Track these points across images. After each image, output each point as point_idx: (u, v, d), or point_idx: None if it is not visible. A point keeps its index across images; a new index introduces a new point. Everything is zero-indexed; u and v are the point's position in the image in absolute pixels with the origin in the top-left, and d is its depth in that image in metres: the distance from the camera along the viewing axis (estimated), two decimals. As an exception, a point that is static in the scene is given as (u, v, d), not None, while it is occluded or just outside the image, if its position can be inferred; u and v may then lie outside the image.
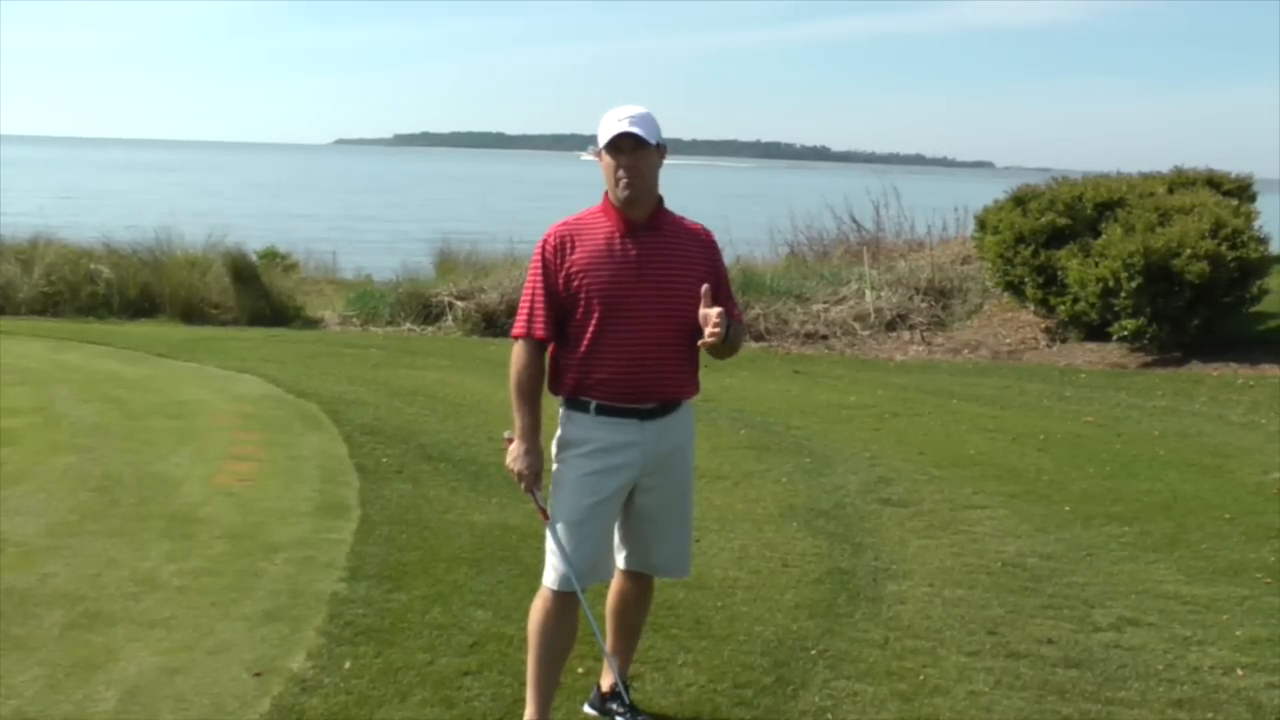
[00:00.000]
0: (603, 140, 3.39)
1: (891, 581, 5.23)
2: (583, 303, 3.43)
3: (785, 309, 14.66)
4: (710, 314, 3.36)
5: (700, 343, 3.41)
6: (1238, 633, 4.67)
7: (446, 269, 17.05)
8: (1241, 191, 13.44)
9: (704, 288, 3.40)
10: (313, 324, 15.08)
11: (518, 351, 3.51)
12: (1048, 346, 13.13)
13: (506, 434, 3.57)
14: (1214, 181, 13.49)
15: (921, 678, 4.17)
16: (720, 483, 6.91)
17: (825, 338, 14.17)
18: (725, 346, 3.47)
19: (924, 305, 14.94)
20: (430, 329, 14.73)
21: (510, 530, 5.78)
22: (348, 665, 4.10)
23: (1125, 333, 11.89)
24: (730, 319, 3.45)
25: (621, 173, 3.38)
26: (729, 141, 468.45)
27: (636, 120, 3.37)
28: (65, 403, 8.70)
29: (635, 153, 3.38)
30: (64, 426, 7.88)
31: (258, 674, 4.03)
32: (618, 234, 3.45)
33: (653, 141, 3.39)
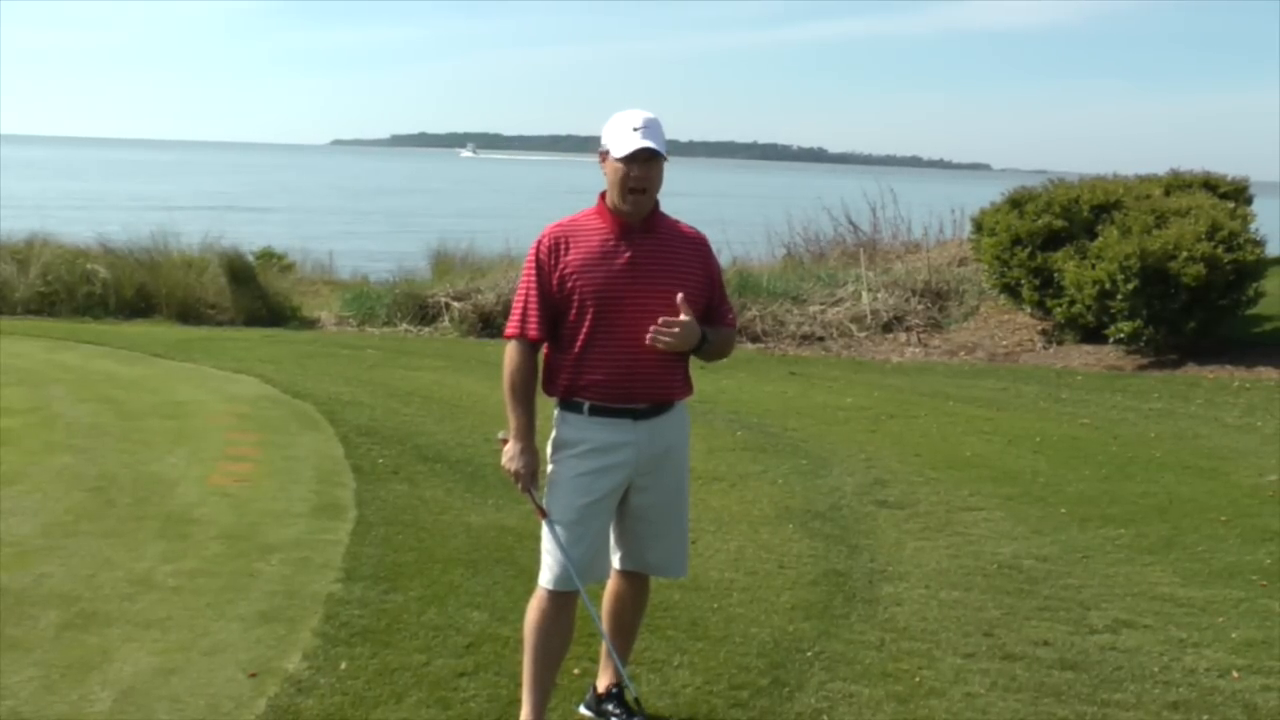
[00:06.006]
0: (618, 150, 3.39)
1: (887, 583, 5.23)
2: (576, 304, 3.44)
3: (782, 310, 14.68)
4: (672, 319, 3.38)
5: (648, 339, 3.41)
6: (1233, 635, 4.67)
7: (443, 270, 17.07)
8: (1238, 194, 13.46)
9: (679, 297, 3.41)
10: (309, 324, 15.08)
11: (511, 352, 3.52)
12: (1044, 348, 13.14)
13: (500, 434, 3.58)
14: (1210, 184, 13.52)
15: (917, 679, 4.17)
16: (716, 484, 6.91)
17: (821, 339, 14.19)
18: (708, 351, 3.52)
19: (920, 307, 14.96)
20: (426, 330, 14.74)
21: (506, 531, 5.78)
22: (343, 666, 4.10)
23: (1121, 335, 11.91)
24: (723, 324, 3.58)
25: (634, 182, 3.41)
26: (726, 143, 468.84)
27: (650, 132, 3.40)
28: (61, 403, 8.69)
29: (648, 163, 3.42)
30: (59, 426, 7.87)
31: (253, 675, 4.03)
32: (613, 236, 3.47)
33: (664, 152, 3.43)
